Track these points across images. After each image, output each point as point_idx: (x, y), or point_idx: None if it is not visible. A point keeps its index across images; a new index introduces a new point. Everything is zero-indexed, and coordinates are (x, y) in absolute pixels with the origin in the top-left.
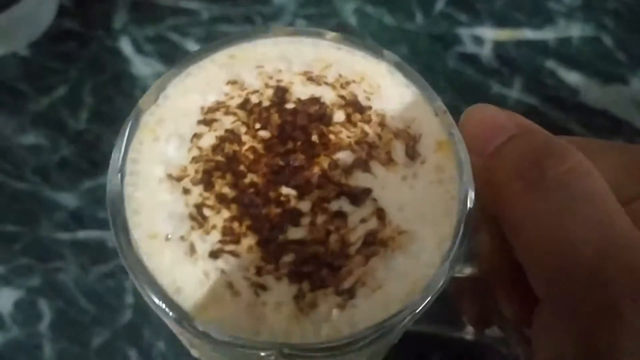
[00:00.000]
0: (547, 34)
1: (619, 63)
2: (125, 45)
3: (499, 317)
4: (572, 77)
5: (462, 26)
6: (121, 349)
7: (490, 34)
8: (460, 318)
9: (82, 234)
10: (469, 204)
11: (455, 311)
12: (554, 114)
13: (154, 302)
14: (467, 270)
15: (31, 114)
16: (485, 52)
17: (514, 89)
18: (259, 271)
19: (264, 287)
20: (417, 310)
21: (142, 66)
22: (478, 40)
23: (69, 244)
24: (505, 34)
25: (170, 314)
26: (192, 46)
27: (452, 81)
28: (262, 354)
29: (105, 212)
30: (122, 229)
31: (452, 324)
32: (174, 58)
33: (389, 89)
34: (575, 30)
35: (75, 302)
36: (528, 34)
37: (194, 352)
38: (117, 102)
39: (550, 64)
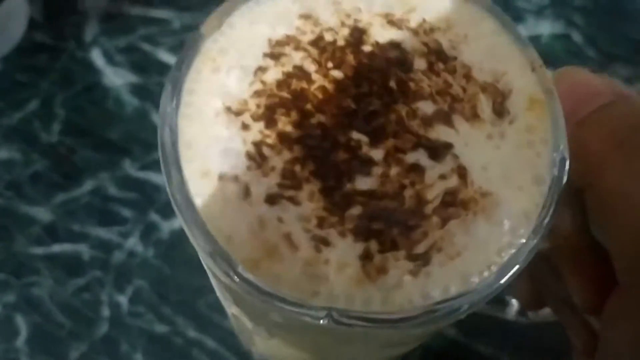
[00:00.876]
0: None
1: (589, 59)
2: (97, 57)
3: (555, 299)
4: None
5: None
6: None
7: None
8: (503, 296)
9: (56, 248)
10: (565, 173)
11: None
12: None
13: (201, 249)
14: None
15: (3, 129)
16: None
17: None
18: (322, 223)
19: (326, 242)
20: (498, 287)
21: (113, 77)
22: None
23: (43, 258)
24: None
25: (218, 263)
26: (164, 55)
27: None
28: (309, 317)
29: (79, 225)
30: (173, 163)
31: (492, 301)
32: (146, 68)
33: (477, 39)
34: (545, 27)
35: (51, 317)
36: None
37: (235, 311)
38: (89, 114)
39: None
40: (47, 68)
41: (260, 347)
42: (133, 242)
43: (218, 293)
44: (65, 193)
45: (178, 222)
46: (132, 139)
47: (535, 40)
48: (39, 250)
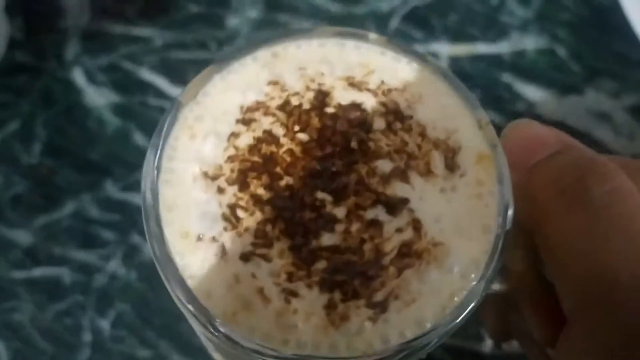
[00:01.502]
0: (501, 48)
1: (574, 74)
2: (78, 76)
3: (519, 332)
4: (528, 90)
5: (418, 42)
6: None
7: (445, 49)
8: (479, 331)
9: (37, 272)
10: (508, 222)
11: (474, 323)
12: None
13: (182, 304)
14: (496, 287)
15: None
16: None
17: None
18: (290, 277)
19: (294, 294)
20: (451, 327)
21: (95, 96)
22: (434, 56)
23: (24, 282)
24: (460, 49)
25: (198, 317)
26: (146, 74)
27: None
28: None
29: (59, 247)
30: (155, 226)
31: (470, 336)
32: (128, 87)
33: (431, 99)
34: (529, 42)
35: (31, 342)
36: (482, 48)
37: (217, 357)
38: (70, 134)
39: (506, 77)
40: (27, 88)
41: None
42: (115, 265)
43: (200, 337)
44: (46, 215)
45: None
46: (113, 160)
47: (519, 55)
48: (19, 274)
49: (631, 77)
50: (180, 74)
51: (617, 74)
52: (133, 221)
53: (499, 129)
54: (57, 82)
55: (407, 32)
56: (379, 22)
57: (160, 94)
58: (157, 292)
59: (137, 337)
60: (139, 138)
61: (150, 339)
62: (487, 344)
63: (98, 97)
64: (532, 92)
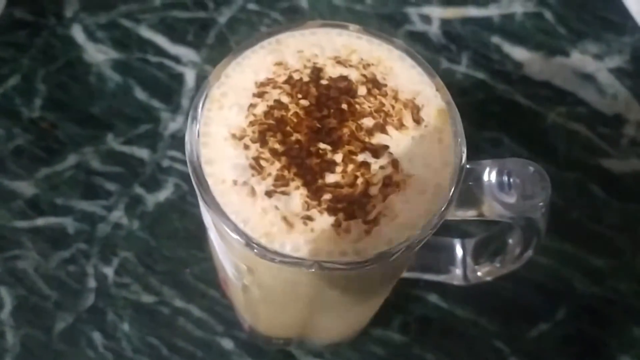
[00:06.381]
0: (491, 11)
1: (560, 37)
2: (77, 33)
3: None
4: (516, 52)
5: (411, 5)
6: (85, 332)
7: (437, 12)
8: (449, 267)
9: (40, 221)
10: (463, 157)
11: (445, 262)
12: (500, 86)
13: (227, 232)
14: (471, 213)
15: None
16: (434, 30)
17: (462, 64)
18: (306, 207)
19: (310, 219)
20: (428, 233)
21: (95, 53)
22: (426, 19)
23: (27, 231)
24: (451, 12)
25: (240, 239)
26: (145, 32)
27: None
28: (305, 267)
29: (62, 198)
30: (200, 176)
31: (441, 271)
32: (128, 44)
33: (399, 70)
34: (518, 6)
35: (36, 289)
36: (473, 11)
37: (247, 280)
38: (70, 89)
39: (496, 39)
40: (27, 44)
41: (263, 316)
42: (118, 215)
43: (230, 271)
44: (49, 167)
45: (163, 195)
46: (115, 114)
47: (508, 18)
48: (22, 224)
49: (615, 40)
50: (180, 33)
51: (602, 37)
52: (135, 173)
53: (488, 88)
54: (57, 39)
55: None
56: None
57: (160, 51)
58: (159, 241)
59: (141, 284)
60: (139, 93)
61: (153, 285)
62: (458, 277)
63: (97, 54)
64: (520, 54)
